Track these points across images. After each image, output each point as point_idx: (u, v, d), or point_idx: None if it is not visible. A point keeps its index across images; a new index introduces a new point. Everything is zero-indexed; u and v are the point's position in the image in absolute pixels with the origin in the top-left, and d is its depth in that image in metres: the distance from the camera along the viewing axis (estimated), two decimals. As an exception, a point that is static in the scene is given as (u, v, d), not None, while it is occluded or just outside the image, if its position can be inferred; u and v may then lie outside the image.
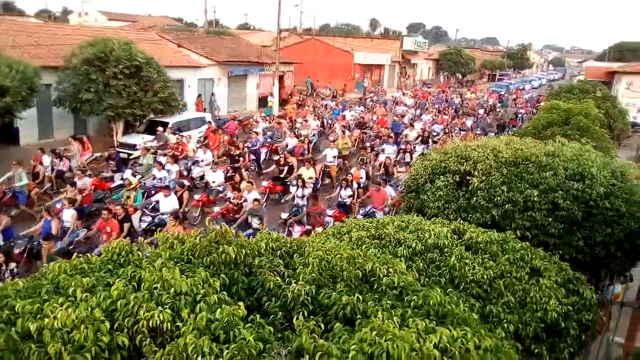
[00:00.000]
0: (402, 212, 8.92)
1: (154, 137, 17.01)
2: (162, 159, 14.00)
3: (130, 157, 16.17)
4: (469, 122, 25.11)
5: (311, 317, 3.78)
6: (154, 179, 13.08)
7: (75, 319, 3.25)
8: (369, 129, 21.89)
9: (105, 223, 9.52)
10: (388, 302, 4.10)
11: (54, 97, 17.37)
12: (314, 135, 19.92)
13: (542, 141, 9.16)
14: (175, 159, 14.03)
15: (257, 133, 18.47)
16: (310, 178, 13.32)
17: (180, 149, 15.79)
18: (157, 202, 11.25)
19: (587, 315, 5.41)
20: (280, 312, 3.95)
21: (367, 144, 18.60)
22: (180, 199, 11.63)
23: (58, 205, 10.86)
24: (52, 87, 17.56)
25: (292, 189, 13.00)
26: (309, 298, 4.00)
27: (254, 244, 4.68)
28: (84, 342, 3.15)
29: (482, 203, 7.58)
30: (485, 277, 5.17)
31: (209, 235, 4.52)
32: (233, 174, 13.83)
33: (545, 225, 7.21)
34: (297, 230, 10.39)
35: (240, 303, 3.72)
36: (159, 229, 8.61)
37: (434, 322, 3.82)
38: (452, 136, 19.46)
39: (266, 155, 17.42)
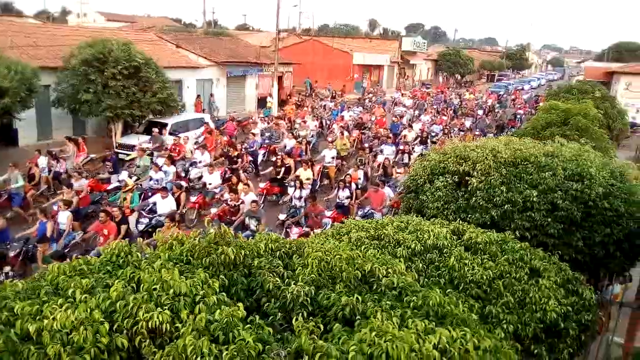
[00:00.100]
0: (401, 213, 8.93)
1: (149, 138, 16.96)
2: (160, 161, 13.94)
3: (126, 158, 16.10)
4: (467, 123, 25.11)
5: (310, 318, 3.78)
6: (150, 180, 13.02)
7: (74, 320, 3.24)
8: (368, 130, 21.89)
9: (103, 225, 9.43)
10: (387, 302, 4.10)
11: (52, 98, 17.35)
12: (312, 136, 19.91)
13: (541, 141, 9.17)
14: (172, 161, 13.97)
15: (254, 134, 18.40)
16: (307, 179, 13.29)
17: (177, 150, 15.74)
18: (155, 203, 11.19)
19: (587, 316, 5.41)
20: (279, 313, 3.95)
21: (366, 145, 18.59)
22: (177, 201, 11.56)
23: (55, 207, 10.80)
24: (50, 88, 17.53)
25: (290, 190, 12.98)
26: (308, 299, 4.00)
27: (253, 245, 4.68)
28: (83, 344, 3.15)
29: (481, 203, 7.58)
30: (485, 277, 5.18)
31: (208, 236, 4.52)
32: (231, 175, 13.77)
33: (544, 225, 7.22)
34: (294, 232, 10.36)
35: (240, 304, 3.71)
36: (157, 230, 8.57)
37: (434, 323, 3.83)
38: (451, 137, 19.47)
39: (264, 157, 17.37)
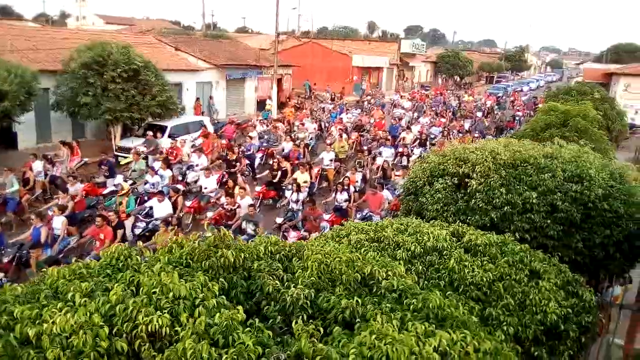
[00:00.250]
0: (401, 215, 8.92)
1: (143, 141, 16.85)
2: (156, 164, 13.87)
3: (122, 162, 15.92)
4: (466, 125, 25.14)
5: (310, 321, 3.78)
6: (146, 184, 12.92)
7: (74, 324, 3.24)
8: (367, 132, 21.89)
9: (99, 230, 9.36)
10: (387, 305, 4.10)
11: (52, 101, 17.34)
12: (311, 138, 19.88)
13: (541, 143, 9.18)
14: (168, 164, 13.90)
15: (251, 137, 18.26)
16: (305, 182, 13.24)
17: (174, 154, 15.67)
18: (151, 207, 11.14)
19: (587, 318, 5.41)
20: (279, 316, 3.94)
21: (365, 147, 18.57)
22: (174, 204, 11.48)
23: (50, 212, 10.65)
24: (50, 91, 17.53)
25: (287, 194, 12.92)
26: (308, 302, 3.99)
27: (252, 248, 4.68)
28: (83, 348, 3.14)
29: (480, 205, 7.58)
30: (485, 279, 5.17)
31: (207, 239, 4.51)
32: (227, 179, 13.64)
33: (544, 227, 7.22)
34: (292, 236, 10.33)
35: (239, 307, 3.71)
36: (155, 234, 8.55)
37: (434, 325, 3.83)
38: (450, 139, 19.46)
39: (262, 160, 17.29)
